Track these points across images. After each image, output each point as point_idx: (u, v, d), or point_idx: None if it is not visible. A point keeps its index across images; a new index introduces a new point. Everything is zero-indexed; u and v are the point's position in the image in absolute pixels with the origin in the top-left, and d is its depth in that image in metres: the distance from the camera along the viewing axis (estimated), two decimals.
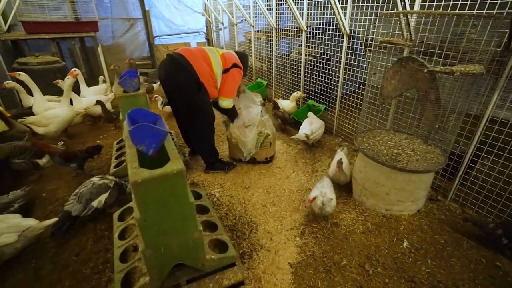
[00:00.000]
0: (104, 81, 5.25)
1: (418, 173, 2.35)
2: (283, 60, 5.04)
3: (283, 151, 3.74)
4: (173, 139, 3.62)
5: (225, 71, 2.90)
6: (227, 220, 2.55)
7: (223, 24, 7.11)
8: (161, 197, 1.47)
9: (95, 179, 2.44)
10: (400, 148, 2.63)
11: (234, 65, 2.93)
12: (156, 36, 7.50)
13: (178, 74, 2.72)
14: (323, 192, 2.37)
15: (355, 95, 3.70)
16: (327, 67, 3.99)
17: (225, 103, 3.03)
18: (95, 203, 2.35)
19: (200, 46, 3.06)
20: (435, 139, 2.72)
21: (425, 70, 2.25)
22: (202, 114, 2.94)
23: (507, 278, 2.01)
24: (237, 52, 3.16)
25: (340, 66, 3.68)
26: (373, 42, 3.16)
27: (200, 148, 3.29)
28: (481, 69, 2.06)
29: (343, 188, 2.92)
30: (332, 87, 4.08)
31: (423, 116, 2.59)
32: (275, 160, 3.51)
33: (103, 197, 2.39)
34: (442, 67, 2.17)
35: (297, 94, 4.44)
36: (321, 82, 4.12)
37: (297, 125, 3.94)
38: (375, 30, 3.18)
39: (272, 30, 5.01)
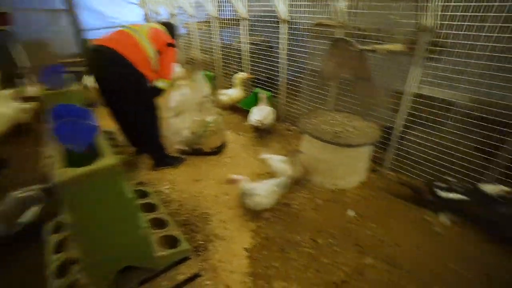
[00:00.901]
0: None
1: (358, 147, 2.52)
2: (227, 50, 4.97)
3: (233, 140, 3.72)
4: (114, 138, 3.36)
5: (159, 51, 2.72)
6: (179, 216, 2.46)
7: (161, 15, 6.74)
8: (95, 196, 1.34)
9: (15, 193, 2.15)
10: (341, 126, 2.80)
11: (169, 45, 2.78)
12: (86, 30, 6.82)
13: (113, 69, 2.49)
14: (248, 187, 2.31)
15: (300, 80, 3.82)
16: (270, 54, 4.04)
17: (163, 84, 2.87)
18: (23, 219, 2.08)
19: (121, 30, 2.67)
20: (371, 115, 2.95)
21: (354, 49, 2.40)
22: (146, 105, 2.76)
23: (432, 227, 2.32)
24: (163, 24, 2.97)
25: (282, 53, 3.75)
26: (310, 28, 3.27)
27: (147, 143, 3.09)
28: (400, 47, 2.26)
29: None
30: (276, 73, 4.15)
31: (359, 94, 2.78)
32: (227, 150, 3.48)
33: (34, 211, 2.12)
34: (367, 46, 2.33)
35: (241, 75, 4.30)
36: (266, 69, 4.17)
37: (245, 113, 3.94)
38: (313, 16, 3.29)
39: (214, 20, 4.90)
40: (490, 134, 2.31)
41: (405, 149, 2.95)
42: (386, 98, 2.80)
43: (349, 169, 2.66)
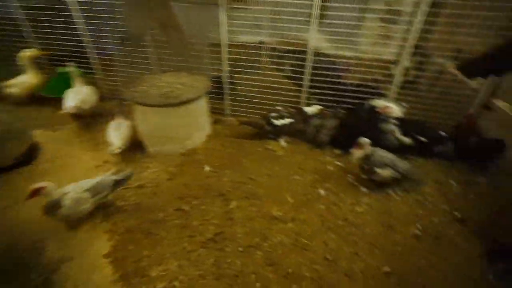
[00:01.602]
0: None
1: (190, 103, 2.45)
2: None
3: (49, 140, 2.87)
4: None
5: None
6: None
7: None
8: None
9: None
10: (170, 86, 2.61)
11: None
12: None
13: None
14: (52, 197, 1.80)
15: (116, 47, 3.23)
16: (63, 18, 3.14)
17: None
18: None
19: None
20: (198, 69, 2.90)
21: None
22: None
23: (273, 152, 2.69)
24: None
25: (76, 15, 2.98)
26: None
27: None
28: None
29: (136, 147, 2.67)
30: (81, 44, 3.33)
31: (177, 49, 2.62)
32: (41, 154, 2.66)
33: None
34: None
35: (28, 52, 3.21)
36: (64, 40, 3.26)
37: (55, 102, 3.07)
38: None
39: None
40: (296, 64, 2.77)
41: (238, 93, 3.15)
42: (204, 49, 2.79)
43: (191, 126, 2.60)
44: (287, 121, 2.68)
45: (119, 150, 2.40)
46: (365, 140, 2.16)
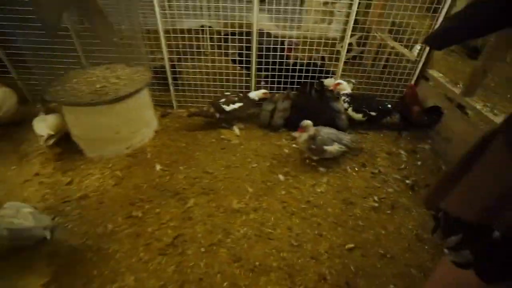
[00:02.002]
0: None
1: (130, 97, 2.19)
2: None
3: None
4: None
5: None
6: None
7: None
8: None
9: None
10: (103, 80, 2.30)
11: None
12: None
13: None
14: None
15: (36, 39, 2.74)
16: None
17: None
18: None
19: None
20: (137, 59, 2.60)
21: None
22: None
23: (228, 142, 2.57)
24: None
25: None
26: None
27: None
28: None
29: (72, 153, 2.35)
30: None
31: (97, 34, 2.30)
32: None
33: None
34: None
35: None
36: None
37: None
38: None
39: None
40: (242, 46, 2.61)
41: (183, 82, 2.93)
42: (139, 36, 2.50)
43: (134, 124, 2.35)
44: (237, 105, 2.55)
45: (50, 142, 2.08)
46: (307, 122, 2.15)
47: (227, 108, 2.51)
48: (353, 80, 3.06)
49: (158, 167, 2.24)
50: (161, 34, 2.50)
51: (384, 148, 2.56)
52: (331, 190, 2.12)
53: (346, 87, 2.70)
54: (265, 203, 2.00)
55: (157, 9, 2.36)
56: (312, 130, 2.15)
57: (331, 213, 1.95)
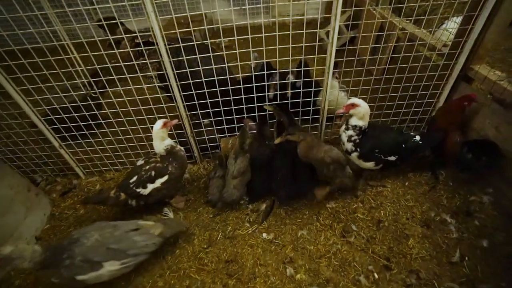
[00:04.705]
0: None
1: None
2: None
3: None
4: None
5: None
6: None
7: None
8: None
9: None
10: None
11: None
12: None
13: None
14: None
15: None
16: None
17: None
18: None
19: None
20: None
21: None
22: None
23: None
24: None
25: None
26: None
27: None
28: None
29: None
30: None
31: None
32: None
33: None
34: None
35: None
36: None
37: None
38: None
39: None
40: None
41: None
42: None
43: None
44: (158, 182, 1.50)
45: None
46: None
47: (143, 190, 1.46)
48: (345, 88, 1.97)
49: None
50: None
51: (415, 213, 1.55)
52: None
53: (362, 112, 1.50)
54: None
55: None
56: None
57: None
